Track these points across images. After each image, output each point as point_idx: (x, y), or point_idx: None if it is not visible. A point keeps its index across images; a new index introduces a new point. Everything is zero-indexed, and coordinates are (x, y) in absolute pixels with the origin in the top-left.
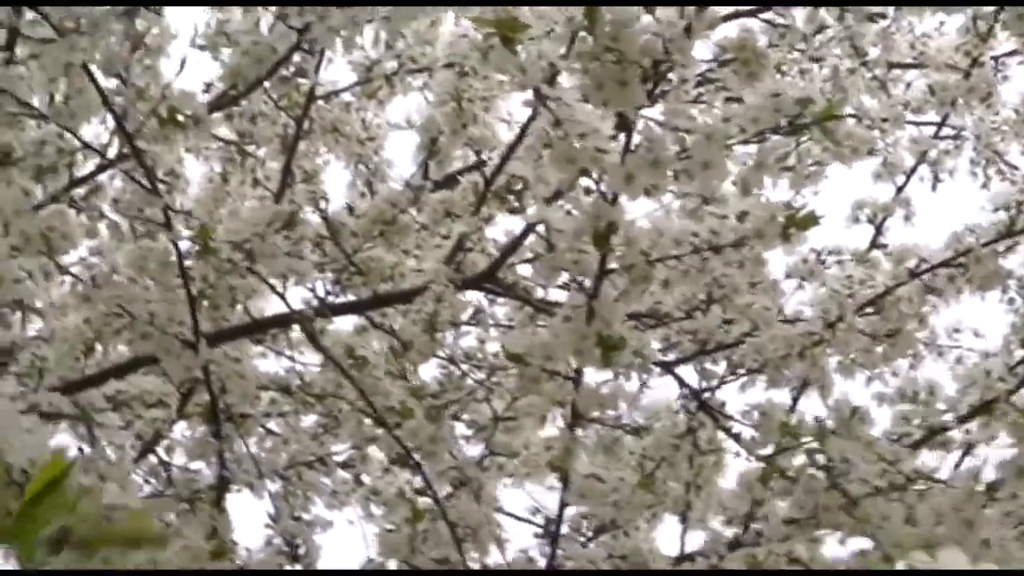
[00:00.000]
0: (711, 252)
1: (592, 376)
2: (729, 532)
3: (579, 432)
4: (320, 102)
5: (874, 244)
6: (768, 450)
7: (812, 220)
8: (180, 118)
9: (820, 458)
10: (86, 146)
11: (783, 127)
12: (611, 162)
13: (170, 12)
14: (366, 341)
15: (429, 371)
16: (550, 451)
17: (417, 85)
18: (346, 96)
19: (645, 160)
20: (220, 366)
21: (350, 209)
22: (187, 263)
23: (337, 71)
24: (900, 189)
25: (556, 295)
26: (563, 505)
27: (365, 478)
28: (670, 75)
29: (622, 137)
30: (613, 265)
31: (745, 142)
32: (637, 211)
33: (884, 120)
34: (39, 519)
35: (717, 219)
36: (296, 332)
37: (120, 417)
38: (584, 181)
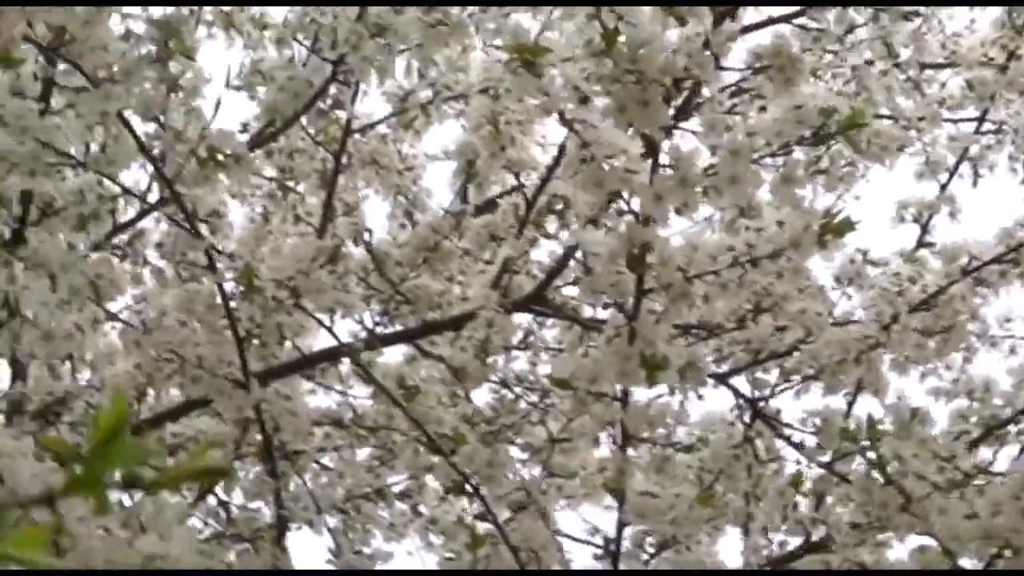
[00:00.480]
0: (749, 264)
1: (643, 394)
2: (794, 540)
3: (631, 452)
4: (356, 135)
5: (920, 243)
6: (827, 456)
7: (848, 225)
8: (220, 158)
9: (877, 458)
10: (126, 192)
11: (808, 138)
12: (640, 183)
13: (203, 54)
14: (416, 370)
15: (481, 397)
16: (604, 472)
17: (452, 113)
18: (382, 128)
19: (673, 179)
20: (272, 404)
21: (394, 239)
22: (233, 304)
23: (371, 103)
24: (944, 187)
25: (604, 313)
26: (621, 525)
27: (423, 508)
28: (703, 90)
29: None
30: (651, 284)
31: (772, 155)
32: (673, 228)
33: (920, 119)
34: (108, 464)
35: (753, 231)
36: (346, 365)
37: (176, 460)
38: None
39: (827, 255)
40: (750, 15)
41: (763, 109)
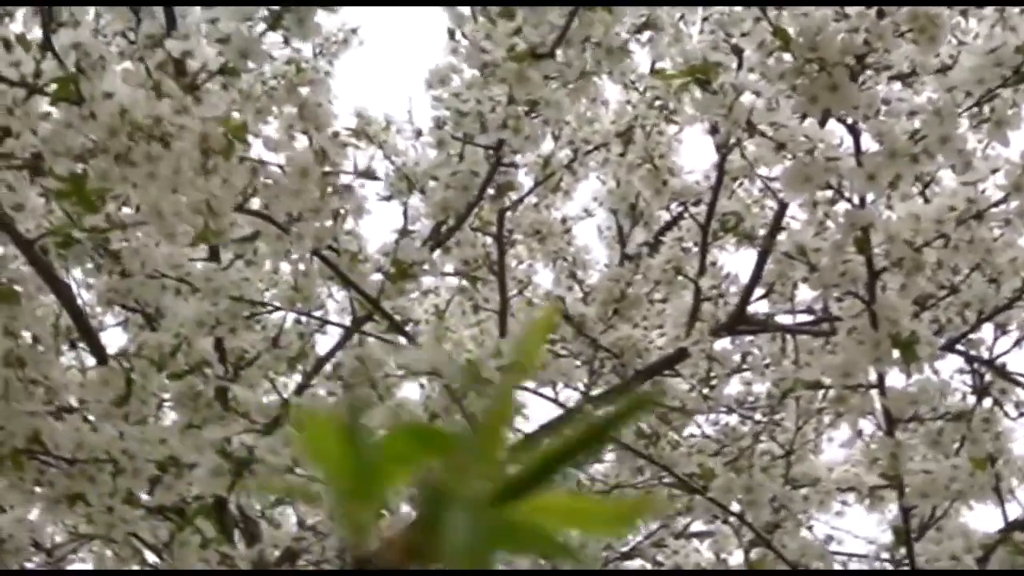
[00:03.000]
0: (974, 220)
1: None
2: None
3: (898, 434)
4: (509, 212)
5: None
6: None
7: None
8: (410, 268)
9: None
10: (325, 322)
11: (1010, 78)
12: (849, 167)
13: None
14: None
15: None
16: (876, 462)
17: (594, 164)
18: (531, 197)
19: (882, 155)
20: None
21: (585, 297)
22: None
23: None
24: None
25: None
26: (906, 510)
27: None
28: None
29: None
30: (881, 264)
31: (976, 105)
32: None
33: None
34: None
35: (970, 185)
36: None
37: None
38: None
39: None
40: None
41: (939, 71)
